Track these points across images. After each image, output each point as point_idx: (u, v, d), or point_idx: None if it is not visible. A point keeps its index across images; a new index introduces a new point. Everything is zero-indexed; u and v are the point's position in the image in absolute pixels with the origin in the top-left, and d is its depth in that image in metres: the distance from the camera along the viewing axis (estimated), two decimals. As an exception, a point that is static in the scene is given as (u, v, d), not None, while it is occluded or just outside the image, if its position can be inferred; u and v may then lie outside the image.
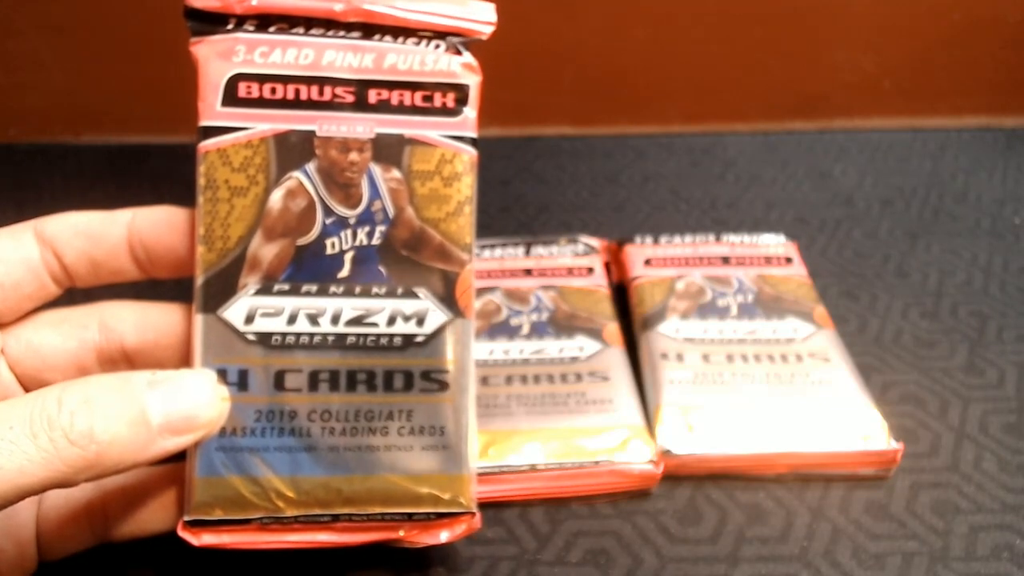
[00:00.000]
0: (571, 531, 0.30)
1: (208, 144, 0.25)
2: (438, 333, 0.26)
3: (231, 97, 0.25)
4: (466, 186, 0.26)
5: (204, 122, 0.25)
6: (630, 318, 0.39)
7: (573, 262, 0.41)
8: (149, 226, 0.25)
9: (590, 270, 0.40)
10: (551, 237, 0.43)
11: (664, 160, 0.55)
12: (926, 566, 0.29)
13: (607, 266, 0.42)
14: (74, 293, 0.27)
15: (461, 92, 0.26)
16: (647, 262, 0.41)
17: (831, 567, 0.29)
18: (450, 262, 0.26)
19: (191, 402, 0.23)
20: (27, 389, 0.25)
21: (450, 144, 0.26)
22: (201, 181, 0.25)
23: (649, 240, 0.42)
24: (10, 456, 0.19)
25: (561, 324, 0.37)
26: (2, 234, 0.25)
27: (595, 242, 0.43)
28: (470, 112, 0.26)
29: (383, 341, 0.25)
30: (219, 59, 0.25)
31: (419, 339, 0.26)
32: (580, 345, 0.36)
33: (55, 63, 0.53)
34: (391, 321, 0.25)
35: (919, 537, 0.30)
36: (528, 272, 0.40)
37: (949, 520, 0.31)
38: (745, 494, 0.32)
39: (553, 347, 0.36)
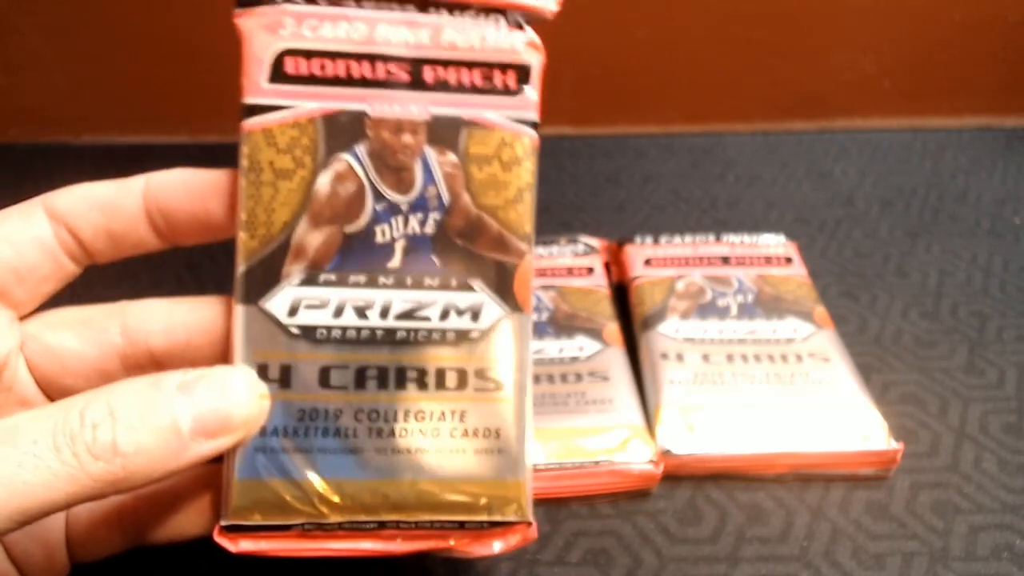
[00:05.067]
0: (571, 531, 0.30)
1: (252, 123, 0.23)
2: (494, 328, 0.24)
3: (278, 73, 0.23)
4: (527, 171, 0.24)
5: (248, 99, 0.23)
6: (630, 318, 0.39)
7: (573, 262, 0.41)
8: (165, 191, 0.24)
9: (590, 270, 0.40)
10: (551, 237, 0.43)
11: (664, 160, 0.55)
12: (926, 566, 0.29)
13: (607, 266, 0.42)
14: (106, 286, 0.26)
15: (523, 71, 0.24)
16: (647, 262, 0.41)
17: (831, 567, 0.29)
18: (508, 253, 0.24)
19: (225, 401, 0.21)
20: (46, 392, 0.24)
21: (510, 126, 0.24)
22: (244, 163, 0.23)
23: (649, 240, 0.42)
24: (35, 471, 0.18)
25: (561, 324, 0.37)
26: (11, 213, 0.23)
27: (595, 242, 0.43)
28: (532, 93, 0.24)
29: (435, 336, 0.24)
30: (265, 32, 0.23)
31: (474, 335, 0.24)
32: (580, 345, 0.36)
33: (55, 63, 0.53)
34: (444, 315, 0.24)
35: (919, 537, 0.30)
36: (528, 272, 0.40)
37: (949, 520, 0.31)
38: (745, 494, 0.32)
39: (553, 347, 0.36)
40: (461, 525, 0.24)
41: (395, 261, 0.24)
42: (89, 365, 0.24)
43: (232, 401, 0.21)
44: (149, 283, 0.42)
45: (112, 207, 0.24)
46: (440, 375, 0.24)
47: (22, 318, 0.24)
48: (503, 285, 0.24)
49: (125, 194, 0.24)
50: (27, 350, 0.24)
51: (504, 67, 0.24)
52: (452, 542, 0.24)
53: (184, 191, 0.24)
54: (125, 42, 0.52)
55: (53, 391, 0.24)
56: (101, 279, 0.28)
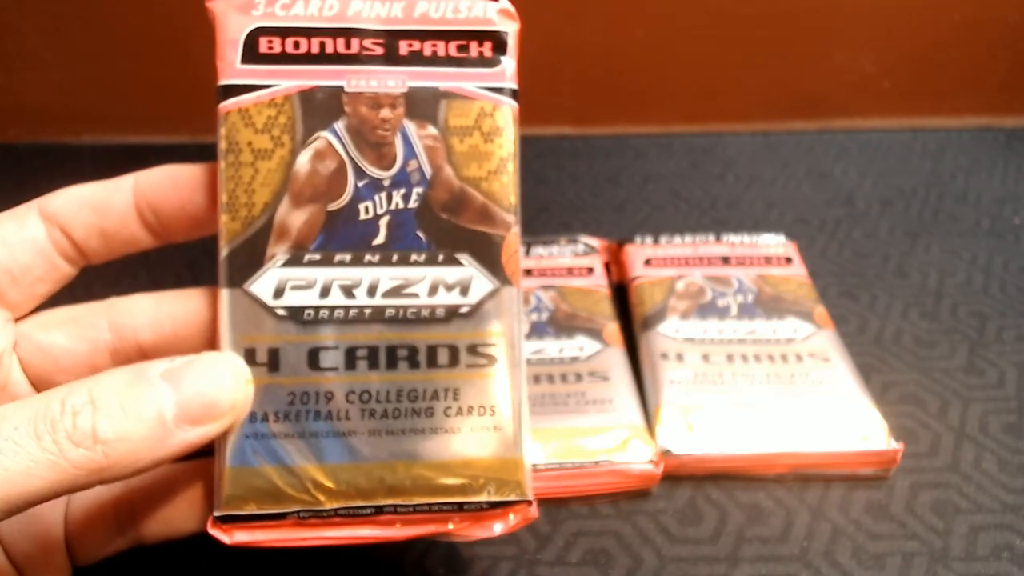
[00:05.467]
0: (571, 531, 0.30)
1: (228, 104, 0.23)
2: (484, 303, 0.24)
3: (252, 53, 0.23)
4: (508, 141, 0.24)
5: (224, 81, 0.23)
6: (630, 318, 0.39)
7: (573, 262, 0.41)
8: (154, 187, 0.24)
9: (590, 270, 0.40)
10: (551, 237, 0.43)
11: (664, 160, 0.55)
12: (926, 566, 0.29)
13: (607, 266, 0.42)
14: (107, 286, 0.26)
15: (498, 40, 0.24)
16: (647, 262, 0.41)
17: (831, 567, 0.29)
18: (494, 225, 0.24)
19: (210, 387, 0.21)
20: (40, 391, 0.24)
21: (489, 96, 0.24)
22: (222, 144, 0.23)
23: (649, 240, 0.42)
24: (15, 457, 0.18)
25: (561, 324, 0.37)
26: (5, 216, 0.23)
27: (595, 242, 0.43)
28: (509, 62, 0.24)
29: (424, 313, 0.23)
30: (237, 13, 0.23)
31: (464, 310, 0.24)
32: (580, 345, 0.36)
33: (55, 63, 0.53)
34: (432, 291, 0.23)
35: (919, 537, 0.30)
36: (528, 272, 0.40)
37: (949, 520, 0.31)
38: (745, 494, 0.32)
39: (553, 347, 0.36)
40: (460, 507, 0.23)
41: (380, 238, 0.24)
42: (80, 362, 0.24)
43: (217, 387, 0.21)
44: (148, 282, 0.42)
45: (103, 206, 0.24)
46: (431, 352, 0.23)
47: (18, 319, 0.24)
48: (491, 258, 0.24)
49: (115, 192, 0.24)
50: (20, 350, 0.24)
51: (480, 37, 0.24)
52: (451, 525, 0.23)
53: (171, 185, 0.24)
54: (125, 42, 0.52)
55: (46, 389, 0.24)
56: (99, 279, 0.28)
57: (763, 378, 0.34)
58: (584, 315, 0.37)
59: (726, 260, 0.41)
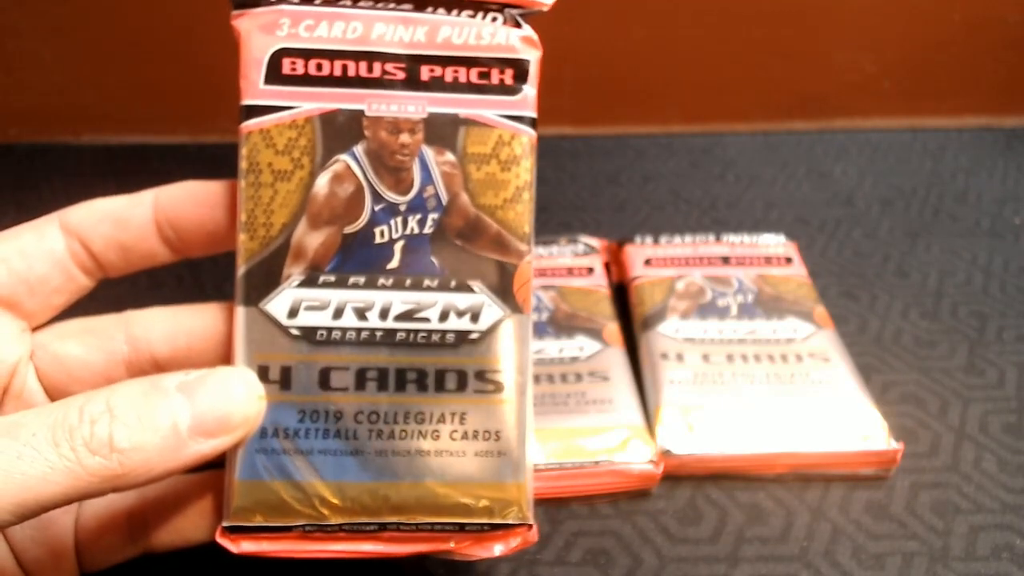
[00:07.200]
0: (571, 531, 0.30)
1: (251, 124, 0.24)
2: (494, 330, 0.24)
3: (275, 74, 0.24)
4: (525, 170, 0.25)
5: (247, 101, 0.24)
6: (630, 318, 0.39)
7: (573, 262, 0.41)
8: (174, 203, 0.24)
9: (590, 270, 0.40)
10: (551, 237, 0.43)
11: (664, 160, 0.55)
12: (926, 566, 0.29)
13: (607, 266, 0.42)
14: (107, 286, 0.26)
15: (520, 68, 0.24)
16: (647, 262, 0.41)
17: (831, 567, 0.29)
18: (507, 253, 0.24)
19: (223, 401, 0.21)
20: (55, 400, 0.24)
21: (508, 125, 0.24)
22: (243, 164, 0.24)
23: (649, 240, 0.42)
24: (32, 463, 0.18)
25: (561, 324, 0.37)
26: (26, 228, 0.24)
27: (595, 242, 0.43)
28: (530, 90, 0.24)
29: (435, 338, 0.24)
30: (262, 33, 0.24)
31: (473, 336, 0.24)
32: (580, 345, 0.36)
33: (55, 63, 0.53)
34: (444, 316, 0.24)
35: (919, 537, 0.30)
36: (528, 272, 0.40)
37: (949, 520, 0.31)
38: (745, 494, 0.32)
39: (553, 347, 0.36)
40: (461, 527, 0.24)
41: (394, 262, 0.24)
42: (96, 373, 0.24)
43: (230, 401, 0.22)
44: (149, 283, 0.42)
45: (123, 219, 0.24)
46: (440, 376, 0.24)
47: (35, 329, 0.24)
48: (503, 286, 0.24)
49: (135, 207, 0.24)
50: (36, 359, 0.24)
51: (501, 64, 0.24)
52: (452, 544, 0.24)
53: (192, 201, 0.25)
54: (125, 42, 0.52)
55: (61, 399, 0.24)
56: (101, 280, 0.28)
57: (763, 378, 0.34)
58: (584, 315, 0.37)
59: (726, 260, 0.41)
